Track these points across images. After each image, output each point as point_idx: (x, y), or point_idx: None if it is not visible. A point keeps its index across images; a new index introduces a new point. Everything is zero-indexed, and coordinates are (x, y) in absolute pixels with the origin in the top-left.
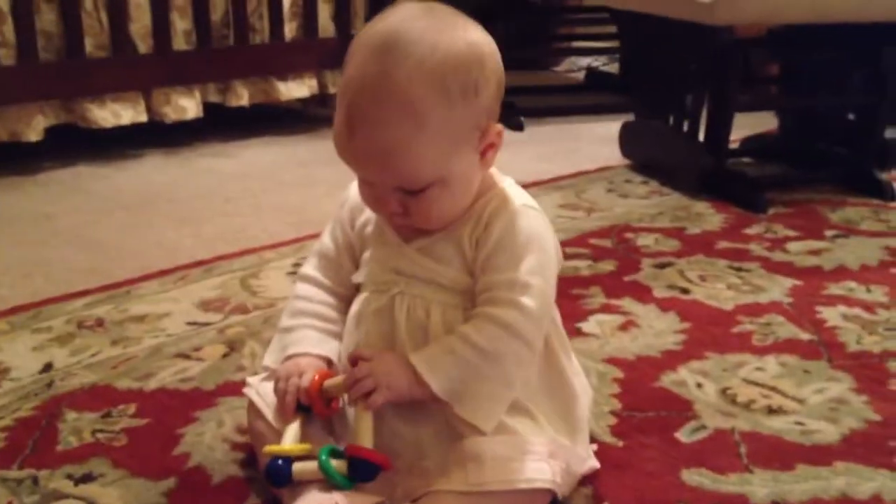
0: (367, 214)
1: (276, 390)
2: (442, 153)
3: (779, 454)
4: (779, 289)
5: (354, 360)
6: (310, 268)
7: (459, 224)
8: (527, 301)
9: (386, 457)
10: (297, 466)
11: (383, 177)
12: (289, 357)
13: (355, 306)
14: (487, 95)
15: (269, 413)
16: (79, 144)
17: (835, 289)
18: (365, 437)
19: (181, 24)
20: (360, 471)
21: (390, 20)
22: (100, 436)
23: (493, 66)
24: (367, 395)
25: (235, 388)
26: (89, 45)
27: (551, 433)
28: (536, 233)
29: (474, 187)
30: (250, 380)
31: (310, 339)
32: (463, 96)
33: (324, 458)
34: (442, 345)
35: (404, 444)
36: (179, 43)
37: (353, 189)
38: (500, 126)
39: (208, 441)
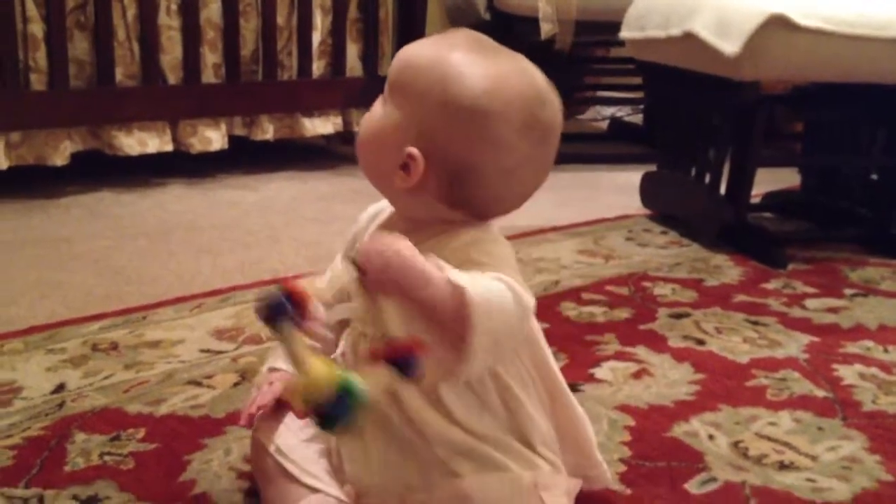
0: (365, 238)
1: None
2: (388, 109)
3: None
4: (795, 345)
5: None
6: (320, 281)
7: (438, 248)
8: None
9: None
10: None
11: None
12: (270, 370)
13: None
14: (424, 114)
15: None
16: (103, 170)
17: (852, 347)
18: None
19: (211, 58)
20: (404, 366)
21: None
22: (107, 458)
23: (459, 100)
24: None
25: None
26: (119, 74)
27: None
28: (507, 258)
29: (380, 174)
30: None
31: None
32: (416, 96)
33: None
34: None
35: (395, 475)
36: (208, 76)
37: (363, 213)
38: (416, 152)
39: (215, 469)
